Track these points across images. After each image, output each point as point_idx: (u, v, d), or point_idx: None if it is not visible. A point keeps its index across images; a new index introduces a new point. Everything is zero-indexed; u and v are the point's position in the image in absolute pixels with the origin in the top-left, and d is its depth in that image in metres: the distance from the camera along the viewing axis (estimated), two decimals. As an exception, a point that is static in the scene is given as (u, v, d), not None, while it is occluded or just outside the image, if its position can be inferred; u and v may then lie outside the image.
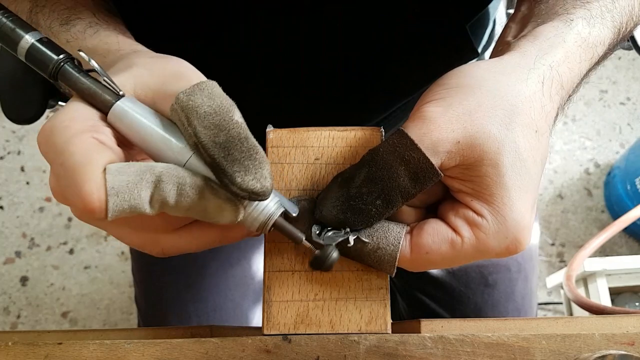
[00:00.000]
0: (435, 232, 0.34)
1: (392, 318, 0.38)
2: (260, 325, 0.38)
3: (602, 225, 1.45)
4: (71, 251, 1.45)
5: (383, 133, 0.40)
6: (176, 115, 0.32)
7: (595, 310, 0.71)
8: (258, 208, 0.34)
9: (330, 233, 0.35)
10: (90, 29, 0.40)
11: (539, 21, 0.39)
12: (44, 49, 0.33)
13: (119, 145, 0.33)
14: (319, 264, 0.34)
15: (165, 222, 0.34)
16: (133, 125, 0.33)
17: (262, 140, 0.40)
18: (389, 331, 0.37)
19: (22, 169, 1.55)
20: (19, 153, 1.56)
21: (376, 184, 0.34)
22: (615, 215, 1.41)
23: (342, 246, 0.35)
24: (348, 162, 0.39)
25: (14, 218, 1.49)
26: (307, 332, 0.37)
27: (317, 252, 0.34)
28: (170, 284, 0.68)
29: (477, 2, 0.53)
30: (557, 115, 0.37)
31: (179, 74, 0.34)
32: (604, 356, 0.34)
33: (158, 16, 0.49)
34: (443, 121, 0.33)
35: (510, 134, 0.33)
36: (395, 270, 0.35)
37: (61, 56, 0.33)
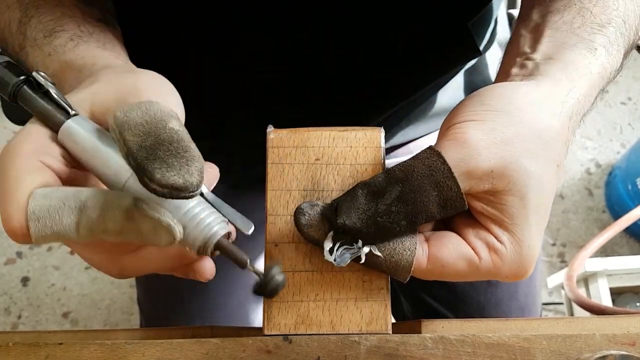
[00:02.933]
0: (455, 249, 0.35)
1: (396, 318, 0.38)
2: (261, 325, 0.38)
3: (603, 225, 1.44)
4: (72, 251, 1.45)
5: (383, 133, 0.40)
6: (113, 132, 0.32)
7: (596, 311, 0.71)
8: (198, 227, 0.32)
9: (342, 249, 0.35)
10: (71, 42, 0.40)
11: (559, 38, 0.39)
12: (6, 70, 0.35)
13: (72, 167, 0.33)
14: (261, 290, 0.33)
15: (116, 245, 0.34)
16: (77, 144, 0.33)
17: (263, 140, 0.40)
18: (390, 331, 0.37)
19: (23, 170, 1.55)
20: (19, 153, 1.56)
21: (407, 205, 0.34)
22: (616, 215, 1.41)
23: (356, 260, 0.35)
24: (348, 162, 0.39)
25: (15, 218, 1.49)
26: (307, 333, 0.37)
27: (261, 276, 0.33)
28: (173, 283, 0.68)
29: (479, 0, 0.53)
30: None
31: (135, 91, 0.34)
32: (604, 356, 0.34)
33: (164, 26, 0.49)
34: (482, 148, 0.33)
35: (538, 168, 0.34)
36: (409, 278, 0.36)
37: (21, 78, 0.34)
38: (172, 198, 0.30)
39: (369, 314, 0.37)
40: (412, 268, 0.35)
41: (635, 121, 1.59)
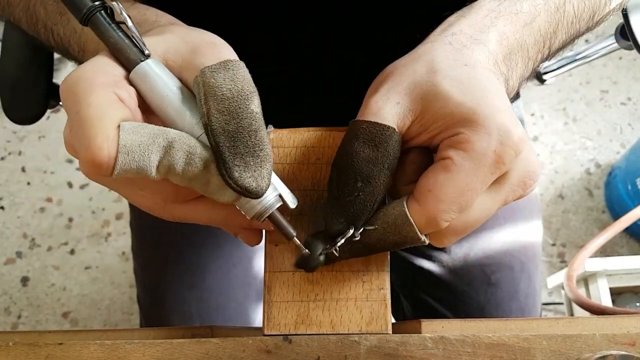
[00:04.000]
0: (428, 171, 0.34)
1: (396, 318, 0.38)
2: (261, 325, 0.38)
3: (603, 226, 1.44)
4: (72, 251, 1.45)
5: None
6: (197, 89, 0.32)
7: (596, 311, 0.71)
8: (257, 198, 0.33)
9: (342, 241, 0.35)
10: (126, 2, 0.39)
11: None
12: None
13: (139, 108, 0.33)
14: (304, 264, 0.36)
15: (175, 193, 0.34)
16: (152, 88, 0.32)
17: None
18: (390, 331, 0.37)
19: (23, 170, 1.55)
20: (19, 154, 1.56)
21: (346, 171, 0.35)
22: (616, 215, 1.41)
23: (359, 247, 0.35)
24: (348, 163, 0.39)
25: (15, 218, 1.49)
26: (307, 333, 0.37)
27: (305, 251, 0.36)
28: (173, 284, 0.68)
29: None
30: (497, 60, 0.37)
31: (212, 45, 0.34)
32: (604, 356, 0.34)
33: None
34: (377, 97, 0.35)
35: (438, 73, 0.34)
36: (419, 233, 0.34)
37: (96, 3, 0.33)
38: (243, 195, 0.32)
39: (369, 314, 0.37)
40: (411, 218, 0.34)
41: (635, 121, 1.59)
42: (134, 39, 0.32)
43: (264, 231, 0.39)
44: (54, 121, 1.59)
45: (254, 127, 0.32)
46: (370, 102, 0.35)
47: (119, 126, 0.30)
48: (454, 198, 0.33)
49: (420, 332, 0.38)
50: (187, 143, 0.31)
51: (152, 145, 0.30)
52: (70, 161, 1.55)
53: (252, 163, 0.31)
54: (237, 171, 0.31)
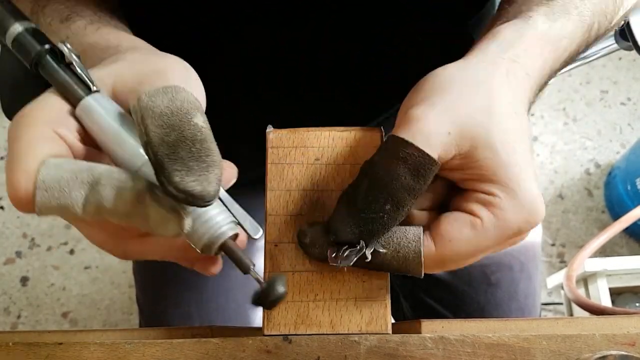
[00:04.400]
0: (454, 219, 0.34)
1: (396, 319, 0.38)
2: (261, 325, 0.38)
3: (603, 226, 1.44)
4: (71, 251, 1.45)
5: (383, 133, 0.40)
6: (134, 115, 0.31)
7: (596, 311, 0.71)
8: (206, 225, 0.31)
9: (347, 252, 0.35)
10: (91, 26, 0.39)
11: (503, 20, 0.40)
12: (29, 38, 0.33)
13: (86, 144, 0.33)
14: (261, 300, 0.33)
15: (120, 228, 0.33)
16: (96, 122, 0.32)
17: (262, 140, 0.40)
18: (390, 331, 0.37)
19: (23, 169, 1.55)
20: (19, 153, 1.56)
21: (380, 189, 0.34)
22: (616, 215, 1.41)
23: (362, 262, 0.35)
24: (348, 163, 0.39)
25: (15, 218, 1.49)
26: (307, 333, 0.37)
27: (263, 285, 0.33)
28: (172, 284, 0.68)
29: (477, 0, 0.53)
30: (530, 101, 0.38)
31: (160, 73, 0.33)
32: (604, 357, 0.34)
33: (159, 22, 0.49)
34: (430, 117, 0.34)
35: (494, 117, 0.34)
36: (423, 270, 0.35)
37: (45, 46, 0.33)
38: (187, 204, 0.29)
39: (369, 314, 0.37)
40: (423, 258, 0.34)
41: (635, 121, 1.59)
42: (82, 77, 0.33)
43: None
44: (54, 121, 1.58)
45: (199, 137, 0.30)
46: (420, 118, 0.34)
47: (43, 163, 0.29)
48: (469, 255, 0.34)
49: (420, 332, 0.38)
50: (116, 178, 0.29)
51: (74, 181, 0.29)
52: (70, 161, 1.55)
53: (196, 167, 0.29)
54: (177, 175, 0.28)
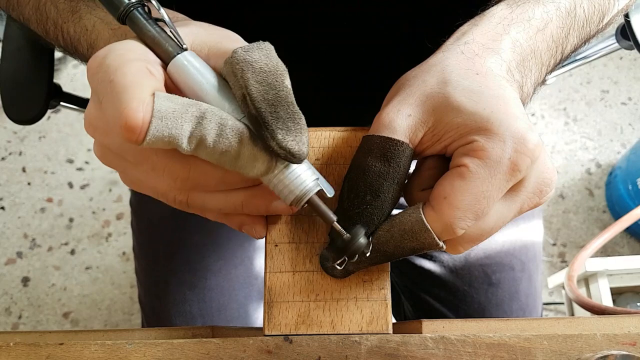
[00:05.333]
0: (443, 178, 0.34)
1: (397, 318, 0.38)
2: (262, 325, 0.38)
3: (604, 226, 1.44)
4: (72, 252, 1.45)
5: None
6: (229, 67, 0.32)
7: (597, 311, 0.71)
8: (296, 181, 0.33)
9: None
10: None
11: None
12: None
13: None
14: (345, 249, 0.35)
15: (185, 178, 0.33)
16: (190, 80, 0.33)
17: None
18: (390, 331, 0.37)
19: (24, 170, 1.55)
20: (20, 154, 1.56)
21: (357, 185, 0.35)
22: (617, 215, 1.41)
23: (377, 255, 0.35)
24: (348, 163, 0.39)
25: (16, 219, 1.49)
26: (308, 333, 0.37)
27: (346, 235, 0.35)
28: (174, 284, 0.68)
29: None
30: (512, 70, 0.37)
31: (234, 37, 0.35)
32: (605, 356, 0.34)
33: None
34: (389, 110, 0.35)
35: (449, 84, 0.34)
36: (435, 237, 0.34)
37: (133, 1, 0.33)
38: (284, 159, 0.32)
39: (370, 314, 0.37)
40: (428, 224, 0.34)
41: (636, 121, 1.59)
42: (171, 34, 0.33)
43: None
44: (55, 121, 1.59)
45: (290, 99, 0.32)
46: (382, 114, 0.36)
47: (154, 94, 0.30)
48: (470, 205, 0.33)
49: (421, 332, 0.38)
50: (219, 115, 0.31)
51: (186, 114, 0.30)
52: (70, 161, 1.55)
53: (293, 128, 0.31)
54: (280, 134, 0.31)
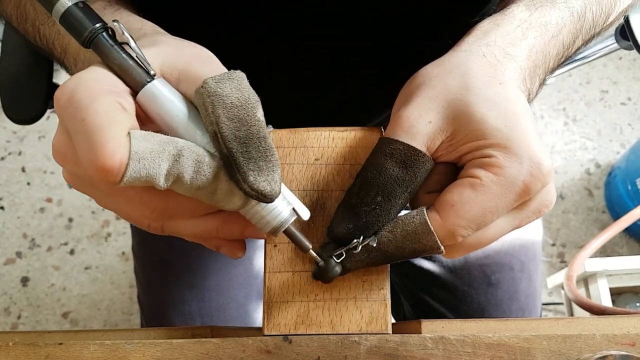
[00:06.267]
0: (453, 186, 0.34)
1: (396, 319, 0.38)
2: (261, 325, 0.38)
3: (603, 226, 1.44)
4: (72, 252, 1.45)
5: (383, 133, 0.40)
6: (200, 100, 0.32)
7: (596, 311, 0.71)
8: (273, 213, 0.34)
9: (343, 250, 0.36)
10: (110, 7, 0.39)
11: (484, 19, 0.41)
12: (80, 14, 0.32)
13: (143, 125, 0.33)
14: (320, 275, 0.36)
15: (163, 208, 0.33)
16: (161, 110, 0.32)
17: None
18: (390, 331, 0.37)
19: (23, 170, 1.55)
20: (19, 154, 1.56)
21: (370, 184, 0.35)
22: (616, 215, 1.41)
23: (377, 255, 0.35)
24: (348, 163, 0.39)
25: (15, 218, 1.49)
26: (307, 333, 0.37)
27: (320, 263, 0.36)
28: (174, 284, 0.68)
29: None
30: (526, 81, 0.37)
31: (205, 58, 0.34)
32: (604, 357, 0.34)
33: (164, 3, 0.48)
34: (410, 113, 0.35)
35: (472, 91, 0.34)
36: (438, 241, 0.34)
37: (97, 25, 0.32)
38: (257, 200, 0.32)
39: (369, 314, 0.37)
40: (432, 227, 0.34)
41: (635, 121, 1.59)
42: (137, 59, 0.32)
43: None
44: (54, 121, 1.58)
45: (262, 134, 0.32)
46: (402, 116, 0.35)
47: (129, 134, 0.29)
48: (476, 217, 0.33)
49: (420, 332, 0.38)
50: (195, 152, 0.31)
51: (163, 153, 0.30)
52: (70, 161, 1.55)
53: (264, 167, 0.31)
54: (251, 175, 0.31)
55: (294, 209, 0.35)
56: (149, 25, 0.38)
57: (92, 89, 0.30)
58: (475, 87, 0.34)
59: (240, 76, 0.32)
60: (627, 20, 0.76)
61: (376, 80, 0.56)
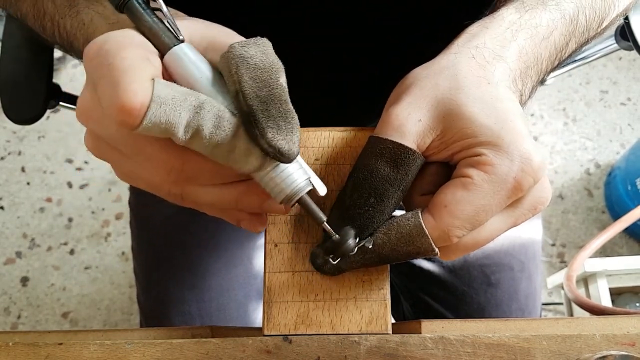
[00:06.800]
0: (445, 186, 0.34)
1: (396, 319, 0.38)
2: (261, 325, 0.38)
3: (603, 226, 1.44)
4: (72, 251, 1.45)
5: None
6: (225, 63, 0.32)
7: (596, 311, 0.71)
8: (287, 180, 0.33)
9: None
10: None
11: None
12: None
13: None
14: (334, 249, 0.35)
15: (180, 170, 0.33)
16: (186, 72, 0.33)
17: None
18: (390, 332, 0.37)
19: (23, 170, 1.55)
20: (19, 154, 1.56)
21: (362, 185, 0.35)
22: (616, 215, 1.41)
23: (372, 257, 0.35)
24: (348, 163, 0.39)
25: (15, 218, 1.49)
26: (307, 333, 0.37)
27: (335, 237, 0.35)
28: (173, 284, 0.68)
29: (480, 2, 0.53)
30: (517, 82, 0.37)
31: (232, 33, 0.35)
32: (604, 357, 0.34)
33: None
34: (399, 111, 0.35)
35: (461, 91, 0.35)
36: (432, 243, 0.34)
37: None
38: (274, 159, 0.32)
39: (369, 314, 0.37)
40: (426, 229, 0.34)
41: (635, 122, 1.59)
42: (168, 24, 0.33)
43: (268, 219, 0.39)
44: (54, 121, 1.59)
45: (284, 97, 0.32)
46: (391, 115, 0.35)
47: (153, 79, 0.29)
48: (469, 217, 0.33)
49: (420, 333, 0.38)
50: (217, 107, 0.31)
51: (184, 103, 0.30)
52: (70, 161, 1.55)
53: (284, 127, 0.31)
54: (270, 132, 0.31)
55: (310, 180, 0.34)
56: (175, 11, 0.39)
57: (122, 42, 0.31)
58: (464, 87, 0.35)
59: (266, 43, 0.33)
60: (627, 20, 0.76)
61: (376, 81, 0.56)
